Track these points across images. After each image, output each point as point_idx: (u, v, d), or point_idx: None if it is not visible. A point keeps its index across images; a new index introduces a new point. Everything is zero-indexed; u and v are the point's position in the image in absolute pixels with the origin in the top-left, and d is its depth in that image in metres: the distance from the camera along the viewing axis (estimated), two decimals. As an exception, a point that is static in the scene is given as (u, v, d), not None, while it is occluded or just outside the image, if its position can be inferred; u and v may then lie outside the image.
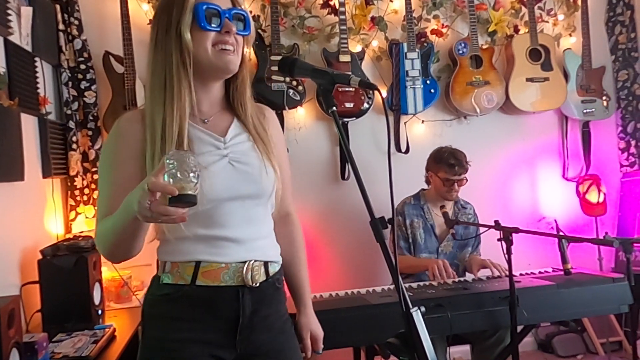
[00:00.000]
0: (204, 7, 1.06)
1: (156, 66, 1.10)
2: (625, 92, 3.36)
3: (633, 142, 3.36)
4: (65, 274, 2.06)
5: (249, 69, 1.21)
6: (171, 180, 0.86)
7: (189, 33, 1.06)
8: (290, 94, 2.88)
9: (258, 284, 1.14)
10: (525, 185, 3.33)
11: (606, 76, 3.30)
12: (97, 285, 2.18)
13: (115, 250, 1.06)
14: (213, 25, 1.07)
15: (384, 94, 3.07)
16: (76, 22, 2.69)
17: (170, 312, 1.11)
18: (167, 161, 0.87)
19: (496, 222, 2.01)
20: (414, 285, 2.23)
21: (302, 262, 1.37)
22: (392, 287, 2.27)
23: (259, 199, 1.15)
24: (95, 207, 2.69)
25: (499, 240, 1.95)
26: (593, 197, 3.09)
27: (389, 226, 1.00)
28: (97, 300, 2.14)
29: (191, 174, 0.87)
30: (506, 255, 1.94)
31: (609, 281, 2.08)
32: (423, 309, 0.96)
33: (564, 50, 3.26)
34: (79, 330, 1.95)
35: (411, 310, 0.94)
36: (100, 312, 2.17)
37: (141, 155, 1.08)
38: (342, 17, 2.90)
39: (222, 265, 1.10)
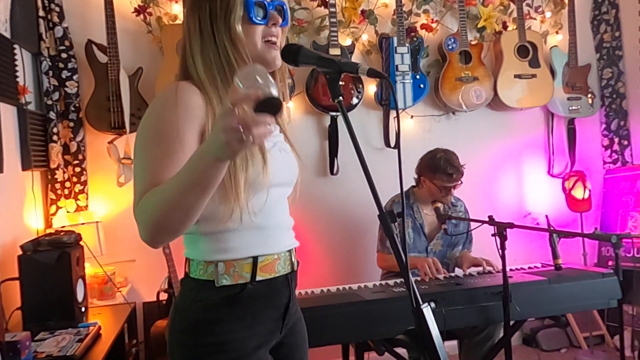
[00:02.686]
0: (254, 0, 1.04)
1: (209, 58, 1.05)
2: (609, 90, 3.40)
3: (616, 140, 3.41)
4: (47, 270, 1.98)
5: None
6: (251, 89, 0.78)
7: (240, 26, 1.03)
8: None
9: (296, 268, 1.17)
10: (512, 181, 3.35)
11: (591, 74, 3.34)
12: (80, 281, 2.10)
13: (171, 219, 0.89)
14: (261, 18, 1.06)
15: (374, 88, 3.05)
16: (57, 8, 2.60)
17: (231, 314, 1.06)
18: (238, 78, 0.79)
19: (490, 217, 2.01)
20: (406, 280, 2.21)
21: None
22: (383, 282, 2.25)
23: (290, 187, 1.18)
24: (77, 200, 2.66)
25: (493, 235, 1.94)
26: (579, 193, 3.13)
27: (398, 220, 0.97)
28: (80, 298, 2.07)
29: (270, 78, 0.79)
30: (500, 251, 1.93)
31: (599, 276, 2.10)
32: (433, 304, 0.94)
33: (551, 47, 3.28)
34: (61, 328, 1.89)
35: (421, 306, 0.92)
36: (83, 309, 2.10)
37: (200, 131, 1.00)
38: (332, 9, 2.86)
39: (275, 256, 1.10)
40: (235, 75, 0.80)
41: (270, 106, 0.77)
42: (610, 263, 3.16)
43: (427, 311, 0.92)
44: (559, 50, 3.28)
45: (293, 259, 1.15)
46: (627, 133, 3.41)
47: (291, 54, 1.07)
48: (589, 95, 3.29)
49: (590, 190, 3.17)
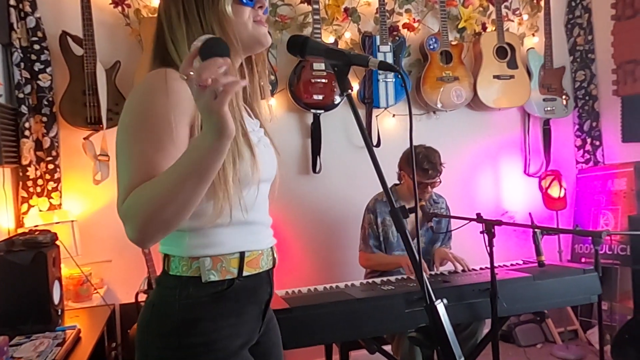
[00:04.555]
0: None
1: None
2: (582, 92, 3.50)
3: (588, 140, 3.52)
4: (22, 271, 1.89)
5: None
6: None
7: (230, 7, 1.00)
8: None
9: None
10: (489, 180, 3.41)
11: (565, 76, 3.43)
12: (56, 283, 2.01)
13: (167, 213, 0.84)
14: (249, 0, 1.03)
15: (356, 87, 3.04)
16: (29, -3, 2.48)
17: (218, 311, 1.02)
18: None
19: (478, 214, 2.02)
20: (392, 279, 2.21)
21: None
22: (370, 281, 2.24)
23: (270, 183, 1.16)
24: (50, 199, 2.54)
25: (481, 232, 1.96)
26: (555, 192, 3.21)
27: (409, 216, 0.95)
28: (56, 300, 1.98)
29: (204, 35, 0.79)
30: (488, 248, 1.95)
31: (580, 272, 2.14)
32: (446, 301, 0.93)
33: (528, 49, 3.35)
34: (37, 332, 1.80)
35: (435, 303, 0.91)
36: (60, 312, 2.01)
37: (191, 125, 0.95)
38: (316, 6, 2.83)
39: (259, 252, 1.09)
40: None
41: (213, 48, 0.75)
42: (583, 260, 3.25)
43: (441, 307, 0.92)
44: (535, 52, 3.35)
45: (275, 255, 1.15)
46: (599, 134, 3.52)
47: (298, 45, 1.04)
48: (564, 97, 3.38)
49: (565, 189, 3.25)
